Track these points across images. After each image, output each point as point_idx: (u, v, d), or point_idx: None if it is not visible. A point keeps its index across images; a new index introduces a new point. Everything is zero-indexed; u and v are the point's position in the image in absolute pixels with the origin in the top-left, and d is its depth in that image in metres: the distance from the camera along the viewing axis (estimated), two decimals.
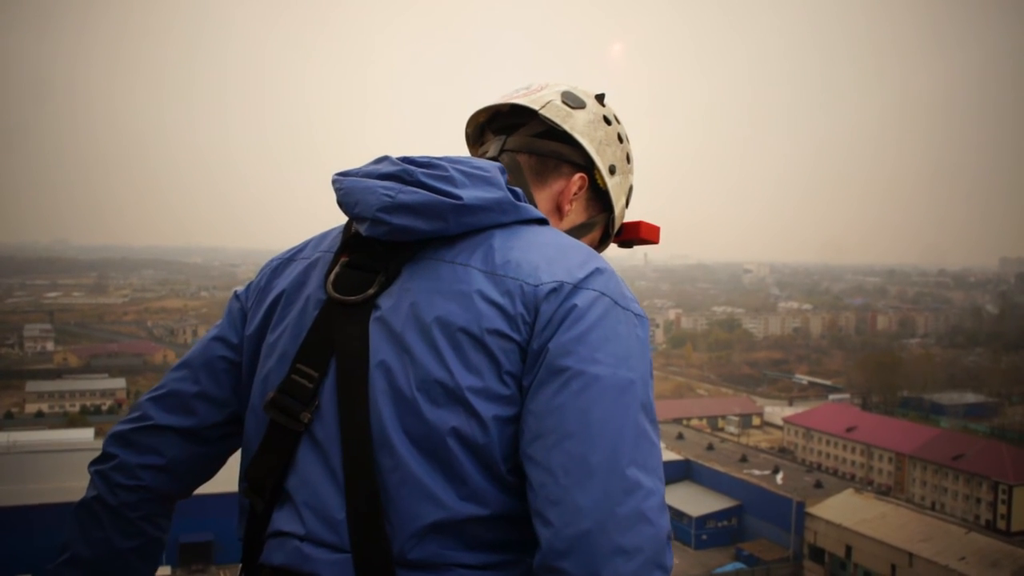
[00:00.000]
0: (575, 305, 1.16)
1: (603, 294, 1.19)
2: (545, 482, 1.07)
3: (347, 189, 1.26)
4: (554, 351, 1.13)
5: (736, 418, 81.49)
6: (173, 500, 1.44)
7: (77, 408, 79.58)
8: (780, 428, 77.16)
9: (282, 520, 1.20)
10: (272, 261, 1.45)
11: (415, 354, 1.15)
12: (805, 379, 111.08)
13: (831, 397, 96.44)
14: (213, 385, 1.39)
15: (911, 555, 39.45)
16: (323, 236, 1.42)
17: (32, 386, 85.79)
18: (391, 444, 1.13)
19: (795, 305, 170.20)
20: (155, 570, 1.45)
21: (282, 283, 1.36)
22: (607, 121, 1.55)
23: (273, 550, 1.19)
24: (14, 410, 79.72)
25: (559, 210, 1.49)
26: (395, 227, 1.20)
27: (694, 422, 77.63)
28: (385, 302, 1.22)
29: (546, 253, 1.22)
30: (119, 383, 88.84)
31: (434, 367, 1.14)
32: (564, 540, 1.04)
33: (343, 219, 1.33)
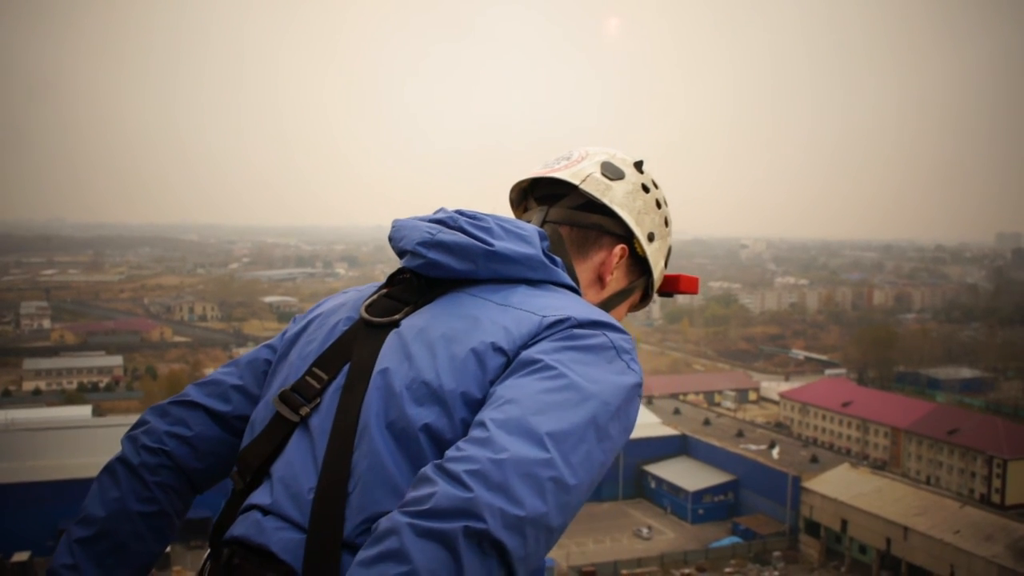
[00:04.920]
0: (576, 333, 1.23)
1: (610, 341, 1.25)
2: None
3: (398, 227, 1.43)
4: (534, 350, 1.21)
5: (732, 393, 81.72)
6: (191, 481, 1.51)
7: (74, 385, 79.94)
8: (776, 403, 77.58)
9: (256, 495, 1.26)
10: (328, 297, 1.61)
11: (414, 359, 1.25)
12: (801, 354, 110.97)
13: (827, 372, 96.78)
14: (252, 382, 1.53)
15: (906, 529, 39.77)
16: (375, 284, 1.53)
17: (29, 364, 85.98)
18: (370, 433, 1.20)
19: (792, 280, 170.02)
20: (163, 549, 1.50)
21: (324, 307, 1.53)
22: (645, 189, 1.61)
23: (237, 524, 1.25)
24: (12, 388, 79.92)
25: (600, 280, 1.56)
26: (430, 261, 1.35)
27: (691, 397, 77.94)
28: (406, 322, 1.34)
29: (565, 304, 1.31)
30: (116, 360, 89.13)
31: (426, 370, 1.23)
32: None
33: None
